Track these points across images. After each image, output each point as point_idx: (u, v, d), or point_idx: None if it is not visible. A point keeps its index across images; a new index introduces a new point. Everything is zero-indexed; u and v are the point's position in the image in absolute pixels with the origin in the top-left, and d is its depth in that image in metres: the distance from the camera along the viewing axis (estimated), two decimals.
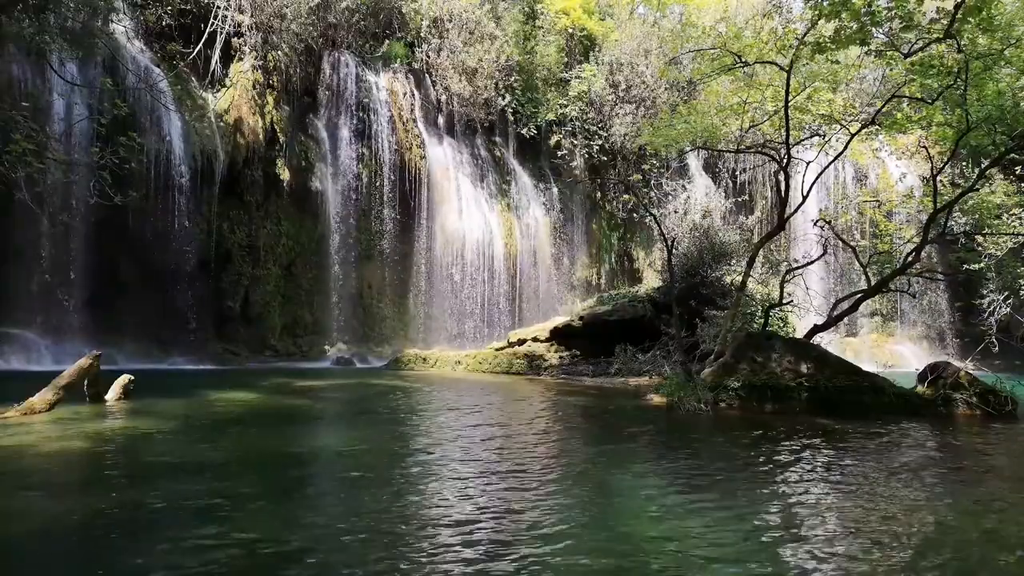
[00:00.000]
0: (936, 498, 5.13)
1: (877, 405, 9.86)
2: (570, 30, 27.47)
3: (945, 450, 7.50)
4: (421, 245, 23.20)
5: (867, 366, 12.66)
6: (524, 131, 26.04)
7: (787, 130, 12.41)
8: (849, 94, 18.23)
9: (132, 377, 9.47)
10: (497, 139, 26.48)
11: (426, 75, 24.59)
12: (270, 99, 20.75)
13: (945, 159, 14.85)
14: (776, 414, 9.59)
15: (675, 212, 21.98)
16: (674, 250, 14.25)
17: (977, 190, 14.65)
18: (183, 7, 19.40)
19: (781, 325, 17.20)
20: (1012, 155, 13.17)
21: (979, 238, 19.27)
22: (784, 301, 13.81)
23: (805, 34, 11.43)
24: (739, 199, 26.77)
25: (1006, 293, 21.49)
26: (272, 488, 5.10)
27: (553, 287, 26.00)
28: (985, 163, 12.84)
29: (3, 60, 15.31)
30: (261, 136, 20.20)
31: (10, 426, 7.02)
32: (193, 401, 9.81)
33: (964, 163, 21.73)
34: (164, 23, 19.14)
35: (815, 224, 15.49)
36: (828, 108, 14.16)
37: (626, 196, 26.48)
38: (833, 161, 14.49)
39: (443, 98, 24.78)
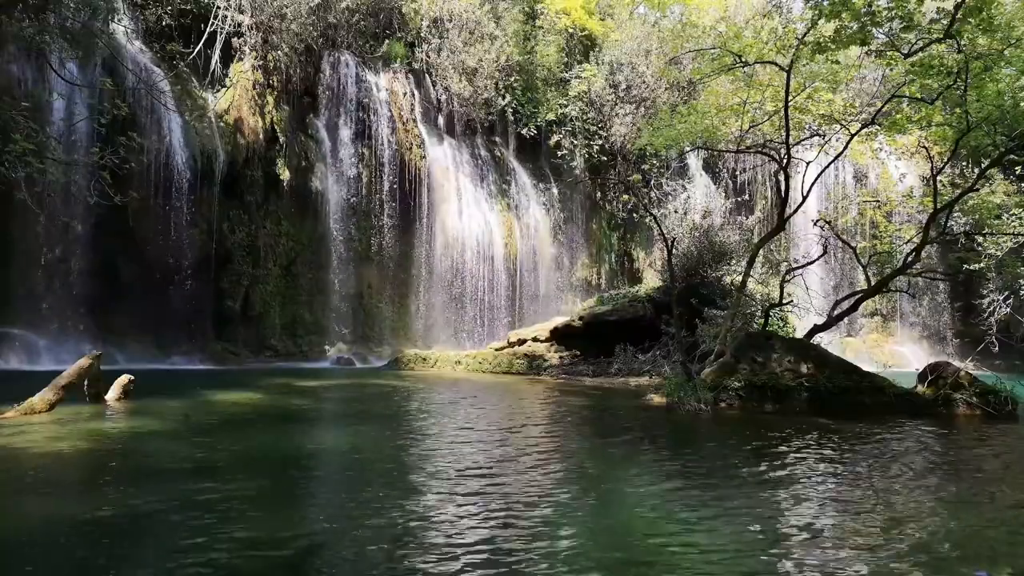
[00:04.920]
0: (936, 498, 5.13)
1: (877, 405, 9.87)
2: (570, 30, 27.45)
3: (945, 450, 7.50)
4: (421, 245, 23.19)
5: (867, 366, 12.68)
6: (524, 131, 26.02)
7: (787, 130, 12.42)
8: (849, 94, 18.21)
9: (132, 377, 9.45)
10: (497, 139, 26.47)
11: (426, 75, 24.58)
12: (270, 99, 20.74)
13: (945, 159, 14.87)
14: (776, 414, 9.59)
15: (675, 212, 21.98)
16: (674, 250, 14.25)
17: (977, 190, 14.67)
18: (183, 7, 19.39)
19: (781, 325, 17.23)
20: (1012, 155, 13.17)
21: (979, 238, 19.28)
22: (784, 301, 13.82)
23: (805, 34, 11.44)
24: (739, 199, 26.77)
25: (1006, 293, 21.53)
26: (273, 488, 5.09)
27: (553, 287, 25.98)
28: (985, 163, 12.86)
29: (3, 60, 15.31)
30: (261, 136, 20.20)
31: (10, 426, 7.02)
32: (193, 401, 9.81)
33: (964, 163, 21.76)
34: (164, 23, 19.13)
35: (815, 224, 15.51)
36: (828, 108, 14.16)
37: (626, 196, 26.45)
38: (833, 161, 14.50)
39: (443, 98, 24.77)
